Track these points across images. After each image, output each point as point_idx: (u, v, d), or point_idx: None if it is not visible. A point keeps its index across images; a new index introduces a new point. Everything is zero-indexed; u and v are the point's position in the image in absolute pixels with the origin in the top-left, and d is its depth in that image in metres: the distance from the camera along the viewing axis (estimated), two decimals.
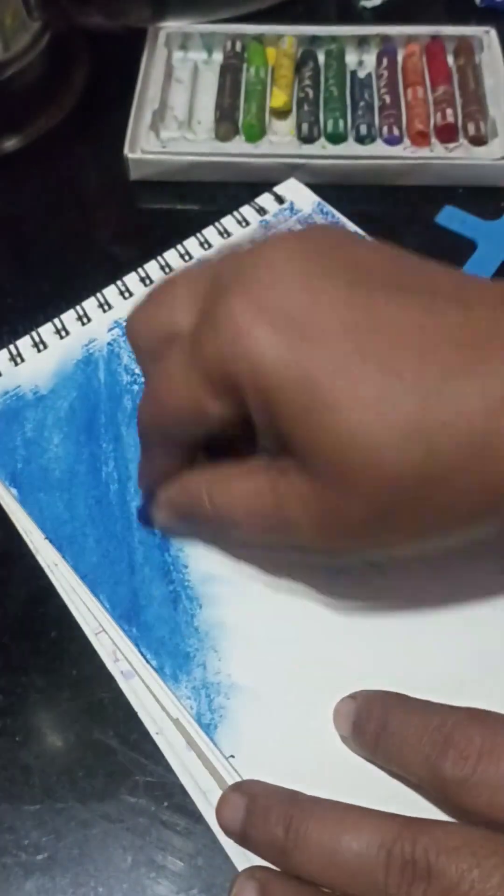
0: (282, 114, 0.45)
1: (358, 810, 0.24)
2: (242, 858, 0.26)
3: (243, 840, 0.25)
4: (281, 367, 0.23)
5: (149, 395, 0.27)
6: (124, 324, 0.30)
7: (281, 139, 0.44)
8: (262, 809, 0.25)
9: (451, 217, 0.41)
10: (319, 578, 0.30)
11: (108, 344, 0.37)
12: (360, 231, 0.40)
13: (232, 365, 0.23)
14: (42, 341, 0.37)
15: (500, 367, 0.22)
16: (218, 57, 0.48)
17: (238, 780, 0.27)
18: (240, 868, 0.25)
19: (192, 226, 0.41)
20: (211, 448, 0.29)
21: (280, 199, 0.42)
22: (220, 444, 0.28)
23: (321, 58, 0.48)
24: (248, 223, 0.41)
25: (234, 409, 0.24)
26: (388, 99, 0.45)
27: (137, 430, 0.29)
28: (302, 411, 0.23)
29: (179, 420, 0.26)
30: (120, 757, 0.28)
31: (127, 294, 0.38)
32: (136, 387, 0.35)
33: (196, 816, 0.27)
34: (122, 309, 0.38)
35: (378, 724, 0.26)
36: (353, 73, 0.47)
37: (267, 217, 0.41)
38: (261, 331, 0.23)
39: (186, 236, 0.40)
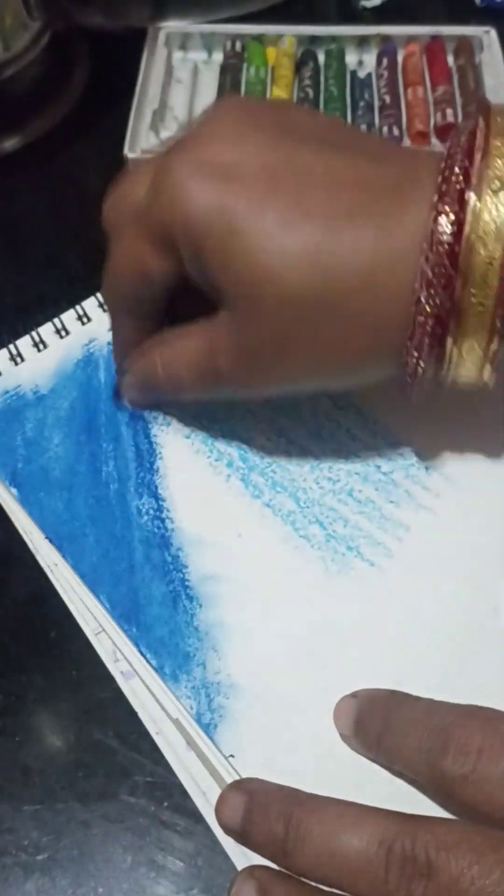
0: None
1: (357, 807, 0.24)
2: (242, 858, 0.26)
3: (243, 838, 0.25)
4: (205, 209, 0.25)
5: (107, 264, 0.30)
6: None
7: None
8: (261, 807, 0.25)
9: None
10: (319, 577, 0.30)
11: (109, 343, 0.37)
12: None
13: (168, 219, 0.26)
14: (42, 341, 0.37)
15: (398, 209, 0.25)
16: (218, 57, 0.48)
17: (239, 776, 0.27)
18: (240, 868, 0.25)
19: None
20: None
21: None
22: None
23: (321, 58, 0.48)
24: None
25: (173, 264, 0.27)
26: (388, 99, 0.45)
27: (104, 304, 0.31)
28: (221, 247, 0.25)
29: (128, 280, 0.29)
30: (120, 757, 0.28)
31: None
32: None
33: (196, 816, 0.27)
34: None
35: (380, 723, 0.26)
36: (353, 73, 0.47)
37: None
38: (191, 181, 0.26)
39: None
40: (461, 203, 0.24)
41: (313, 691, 0.28)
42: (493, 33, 0.47)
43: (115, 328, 0.32)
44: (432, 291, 0.24)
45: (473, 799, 0.23)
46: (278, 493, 0.32)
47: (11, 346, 0.37)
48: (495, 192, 0.24)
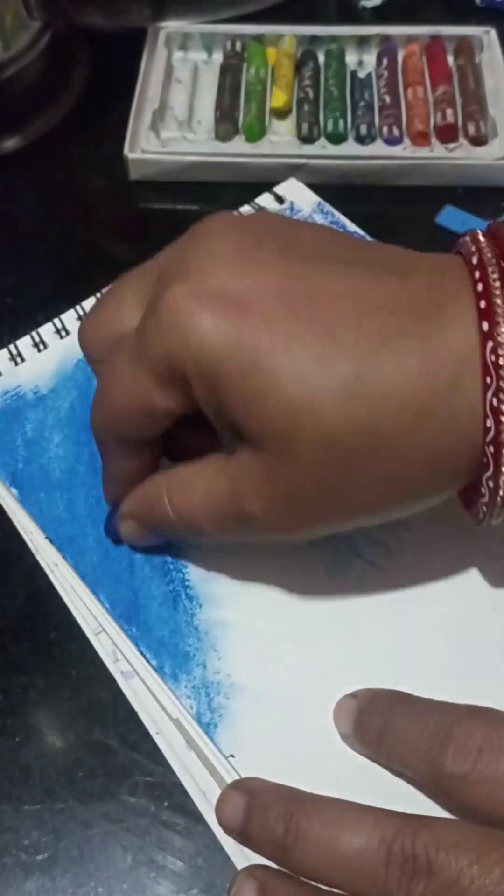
0: (282, 114, 0.45)
1: (357, 807, 0.24)
2: (242, 858, 0.26)
3: (243, 838, 0.25)
4: (221, 346, 0.23)
5: (98, 396, 0.27)
6: None
7: (281, 139, 0.44)
8: (261, 807, 0.25)
9: (451, 217, 0.41)
10: (319, 577, 0.30)
11: None
12: (360, 231, 0.40)
13: (176, 355, 0.23)
14: (42, 341, 0.37)
15: (436, 330, 0.22)
16: (218, 57, 0.48)
17: (239, 776, 0.27)
18: (240, 867, 0.25)
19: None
20: (176, 455, 0.29)
21: (280, 199, 0.42)
22: (183, 450, 0.28)
23: (321, 58, 0.48)
24: None
25: (182, 402, 0.25)
26: (388, 99, 0.45)
27: (93, 437, 0.28)
28: (243, 385, 0.23)
29: (129, 418, 0.26)
30: (120, 757, 0.28)
31: None
32: None
33: (196, 816, 0.27)
34: None
35: (380, 723, 0.26)
36: (353, 73, 0.47)
37: None
38: (200, 315, 0.23)
39: None
40: None
41: (313, 691, 0.28)
42: (493, 33, 0.47)
43: (107, 464, 0.29)
44: (502, 418, 0.22)
45: (473, 798, 0.23)
46: None
47: (11, 347, 0.37)
48: None
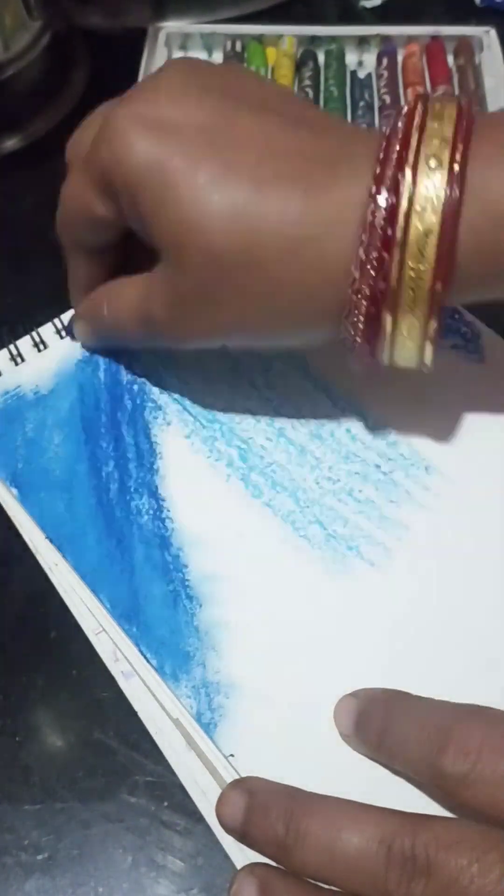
0: None
1: (358, 806, 0.24)
2: (242, 857, 0.26)
3: (243, 837, 0.25)
4: (143, 161, 0.26)
5: (60, 198, 0.31)
6: None
7: None
8: (261, 806, 0.25)
9: None
10: (318, 576, 0.30)
11: None
12: None
13: (108, 167, 0.27)
14: (42, 341, 0.37)
15: (328, 181, 0.25)
16: (218, 57, 0.48)
17: (240, 775, 0.27)
18: (240, 867, 0.25)
19: None
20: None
21: None
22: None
23: (321, 58, 0.48)
24: None
25: (114, 212, 0.28)
26: (387, 99, 0.45)
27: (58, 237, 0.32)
28: (153, 197, 0.26)
29: (77, 221, 0.30)
30: (120, 757, 0.28)
31: None
32: (135, 386, 0.35)
33: (196, 816, 0.27)
34: None
35: (380, 723, 0.26)
36: (353, 73, 0.47)
37: None
38: (132, 133, 0.26)
39: None
40: (396, 181, 0.24)
41: (313, 690, 0.28)
42: (493, 33, 0.47)
43: (69, 266, 0.33)
44: (368, 268, 0.25)
45: (473, 799, 0.23)
46: (278, 492, 0.32)
47: (12, 347, 0.37)
48: (432, 170, 0.24)
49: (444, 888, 0.21)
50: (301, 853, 0.23)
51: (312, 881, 0.23)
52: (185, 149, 0.26)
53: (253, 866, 0.24)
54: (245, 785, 0.26)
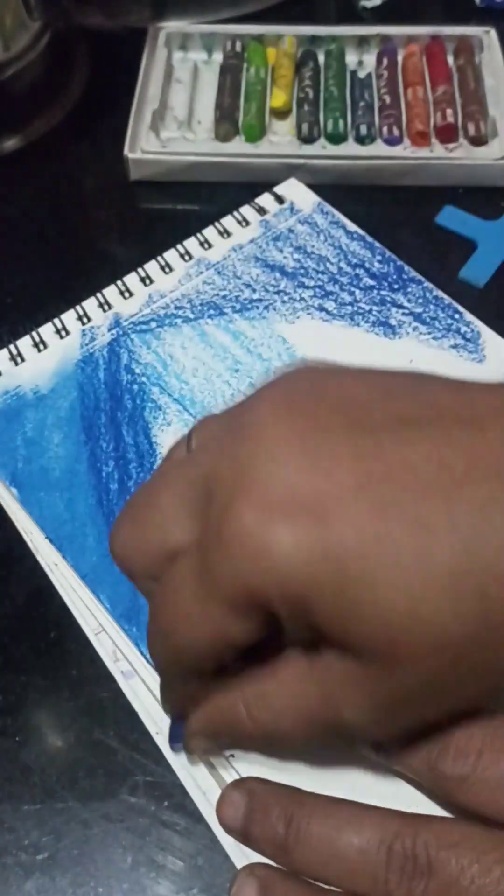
0: (282, 114, 0.45)
1: (358, 806, 0.24)
2: (242, 858, 0.26)
3: (244, 837, 0.25)
4: (306, 563, 0.19)
5: (161, 632, 0.23)
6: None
7: (281, 139, 0.44)
8: (262, 806, 0.25)
9: (451, 217, 0.41)
10: None
11: (109, 344, 0.37)
12: (359, 231, 0.40)
13: (255, 583, 0.20)
14: (42, 341, 0.37)
15: None
16: (218, 57, 0.48)
17: (239, 776, 0.27)
18: (240, 867, 0.25)
19: (192, 226, 0.41)
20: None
21: (280, 199, 0.42)
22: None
23: (321, 58, 0.48)
24: (248, 223, 0.41)
25: (262, 627, 0.21)
26: (388, 99, 0.45)
27: (153, 664, 0.27)
28: (338, 601, 0.19)
29: (202, 653, 0.22)
30: (120, 757, 0.28)
31: (127, 294, 0.38)
32: (135, 386, 0.35)
33: (196, 816, 0.27)
34: (123, 309, 0.38)
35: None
36: (353, 73, 0.47)
37: (267, 217, 0.41)
38: (275, 533, 0.19)
39: (186, 236, 0.40)
40: None
41: None
42: (493, 33, 0.47)
43: (167, 686, 0.26)
44: None
45: (474, 800, 0.23)
46: None
47: (12, 346, 0.37)
48: None
49: (444, 888, 0.21)
50: (302, 853, 0.23)
51: (313, 882, 0.23)
52: (356, 526, 0.19)
53: (253, 866, 0.24)
54: (246, 785, 0.26)
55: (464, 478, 0.19)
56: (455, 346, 0.35)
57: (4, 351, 0.37)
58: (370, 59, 0.48)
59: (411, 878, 0.21)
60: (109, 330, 0.37)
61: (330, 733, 0.23)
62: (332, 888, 0.23)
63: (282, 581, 0.20)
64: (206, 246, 0.40)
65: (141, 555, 0.24)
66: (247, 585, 0.20)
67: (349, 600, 0.19)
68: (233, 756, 0.27)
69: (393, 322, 0.36)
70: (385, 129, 0.44)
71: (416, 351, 0.35)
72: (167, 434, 0.34)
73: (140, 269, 0.39)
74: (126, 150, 0.43)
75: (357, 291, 0.37)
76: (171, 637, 0.23)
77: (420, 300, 0.37)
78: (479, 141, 0.43)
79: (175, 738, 0.27)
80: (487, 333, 0.36)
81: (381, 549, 0.19)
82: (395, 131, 0.43)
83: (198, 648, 0.22)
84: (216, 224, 0.41)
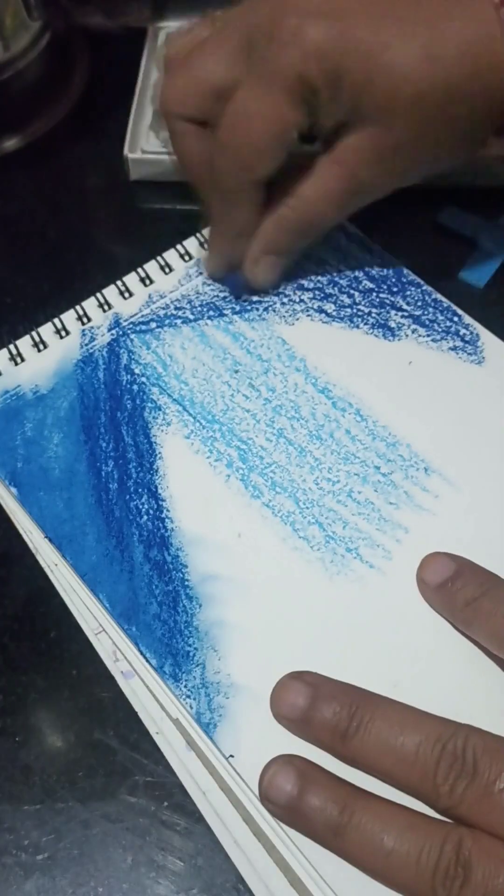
0: None
1: (417, 710, 0.26)
2: (242, 858, 0.26)
3: (302, 725, 0.27)
4: (337, 48, 0.29)
5: (230, 139, 0.31)
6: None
7: None
8: (327, 696, 0.26)
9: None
10: (318, 578, 0.30)
11: (108, 344, 0.37)
12: (358, 232, 0.40)
13: (305, 67, 0.29)
14: (42, 341, 0.37)
15: (482, 3, 0.29)
16: None
17: (237, 780, 0.27)
18: (240, 867, 0.26)
19: (192, 226, 0.41)
20: None
21: None
22: None
23: None
24: None
25: (307, 113, 0.30)
26: None
27: (219, 194, 0.33)
28: (360, 72, 0.29)
29: (267, 144, 0.31)
30: (120, 757, 0.28)
31: (127, 294, 0.38)
32: (135, 386, 0.35)
33: (196, 816, 0.27)
34: (123, 309, 0.38)
35: (476, 589, 0.28)
36: None
37: None
38: (315, 30, 0.29)
39: (186, 236, 0.40)
40: None
41: None
42: None
43: (226, 217, 0.35)
44: None
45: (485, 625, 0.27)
46: (278, 493, 0.32)
47: (11, 346, 0.37)
48: None
49: (481, 790, 0.23)
50: (360, 742, 0.25)
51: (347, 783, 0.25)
52: (364, 22, 0.29)
53: (291, 756, 0.26)
54: (307, 678, 0.27)
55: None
56: (454, 349, 0.35)
57: (4, 351, 0.37)
58: None
59: (457, 777, 0.24)
60: (109, 330, 0.37)
61: (352, 197, 0.33)
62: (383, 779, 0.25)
63: (321, 58, 0.29)
64: (206, 246, 0.40)
65: (193, 95, 0.32)
66: (299, 71, 0.29)
67: (367, 70, 0.29)
68: (232, 757, 0.27)
69: (392, 324, 0.36)
70: None
71: (415, 353, 0.35)
72: (167, 434, 0.34)
73: (140, 270, 0.39)
74: (126, 150, 0.43)
75: (356, 294, 0.38)
76: (243, 137, 0.31)
77: (419, 303, 0.37)
78: None
79: (239, 287, 0.37)
80: (486, 336, 0.36)
81: (379, 36, 0.29)
82: None
83: (266, 138, 0.31)
84: None
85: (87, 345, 0.37)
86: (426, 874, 0.23)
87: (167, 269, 0.39)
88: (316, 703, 0.26)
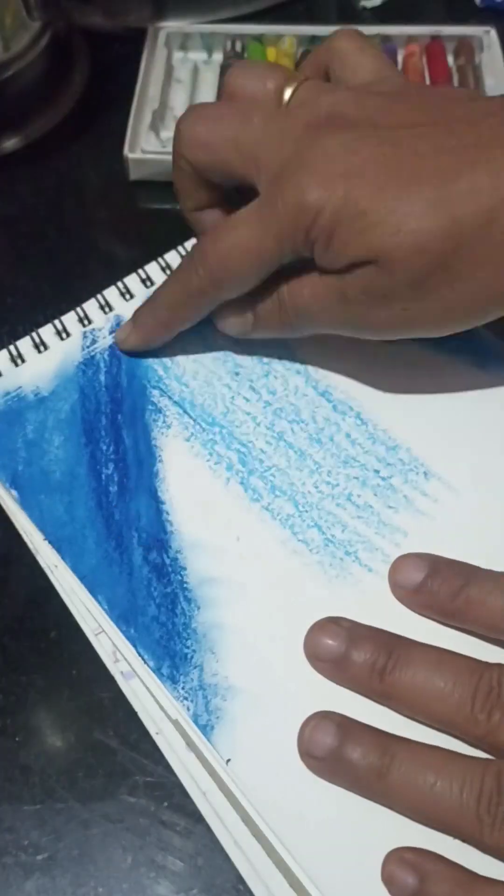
0: None
1: (452, 651, 0.27)
2: (242, 858, 0.26)
3: (340, 666, 0.28)
4: (338, 207, 0.28)
5: (213, 255, 0.32)
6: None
7: None
8: (363, 638, 0.28)
9: None
10: (317, 581, 0.30)
11: (110, 346, 0.37)
12: None
13: (303, 220, 0.29)
14: (43, 342, 0.37)
15: (501, 157, 0.28)
16: (218, 57, 0.48)
17: (238, 781, 0.27)
18: (240, 867, 0.26)
19: None
20: None
21: None
22: None
23: None
24: None
25: (297, 255, 0.31)
26: None
27: (180, 285, 0.34)
28: (353, 228, 0.28)
29: (249, 275, 0.32)
30: (120, 757, 0.28)
31: (128, 295, 0.38)
32: (136, 389, 0.35)
33: (196, 816, 0.27)
34: (124, 310, 0.38)
35: (459, 580, 0.28)
36: None
37: None
38: (318, 192, 0.29)
39: (186, 236, 0.40)
40: None
41: (310, 694, 0.28)
42: (493, 33, 0.47)
43: (183, 307, 0.34)
44: None
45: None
46: (277, 496, 0.32)
47: (12, 347, 0.37)
48: None
49: None
50: (398, 678, 0.27)
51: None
52: (370, 182, 0.28)
53: (326, 712, 0.27)
54: (342, 623, 0.29)
55: (451, 150, 0.28)
56: (455, 351, 0.35)
57: (5, 352, 0.37)
58: None
59: (494, 706, 0.25)
60: (111, 332, 0.37)
61: (342, 320, 0.32)
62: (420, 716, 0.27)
63: (320, 217, 0.29)
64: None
65: (206, 153, 0.32)
66: (296, 222, 0.29)
67: (361, 228, 0.28)
68: (230, 761, 0.27)
69: None
70: None
71: (416, 354, 0.35)
72: (167, 437, 0.34)
73: (141, 271, 0.39)
74: (126, 150, 0.43)
75: None
76: (222, 266, 0.32)
77: None
78: None
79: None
80: (487, 337, 0.36)
81: (382, 193, 0.28)
82: None
83: (246, 272, 0.31)
84: None
85: (88, 347, 0.37)
86: (470, 804, 0.24)
87: (168, 270, 0.39)
88: (353, 644, 0.28)
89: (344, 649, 0.28)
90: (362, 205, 0.28)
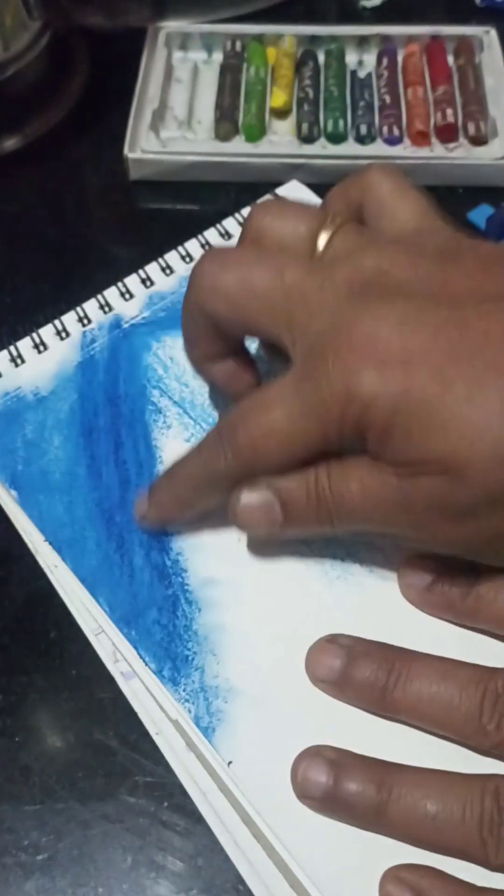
0: (282, 114, 0.45)
1: (454, 660, 0.27)
2: (242, 858, 0.26)
3: (341, 685, 0.27)
4: (394, 400, 0.24)
5: (244, 435, 0.27)
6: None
7: (281, 139, 0.44)
8: (363, 655, 0.27)
9: (482, 215, 0.41)
10: (318, 583, 0.30)
11: (109, 346, 0.37)
12: None
13: (351, 410, 0.25)
14: (42, 342, 0.37)
15: None
16: (218, 57, 0.48)
17: (239, 782, 0.27)
18: (240, 868, 0.26)
19: (192, 226, 0.41)
20: None
21: None
22: None
23: (321, 58, 0.48)
24: None
25: (342, 446, 0.26)
26: (388, 99, 0.45)
27: (203, 463, 0.29)
28: (415, 427, 0.24)
29: (282, 461, 0.27)
30: (120, 757, 0.28)
31: (128, 295, 0.38)
32: (135, 389, 0.35)
33: (196, 816, 0.27)
34: (123, 310, 0.38)
35: (469, 580, 0.28)
36: (353, 72, 0.47)
37: None
38: (369, 378, 0.24)
39: (186, 237, 0.40)
40: None
41: (311, 696, 0.28)
42: (493, 33, 0.47)
43: (203, 490, 0.30)
44: None
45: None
46: None
47: (12, 348, 0.37)
48: None
49: None
50: (402, 693, 0.26)
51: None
52: (429, 369, 0.24)
53: (316, 748, 0.26)
54: (341, 641, 0.28)
55: None
56: None
57: (4, 352, 0.37)
58: (370, 59, 0.48)
59: (502, 716, 0.25)
60: (110, 332, 0.37)
61: (413, 531, 0.27)
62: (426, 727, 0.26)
63: (373, 408, 0.24)
64: (207, 248, 0.40)
65: (227, 305, 0.28)
66: (345, 413, 0.25)
67: (426, 429, 0.24)
68: (231, 763, 0.27)
69: None
70: (385, 128, 0.44)
71: None
72: (167, 437, 0.34)
73: (141, 271, 0.39)
74: (126, 150, 0.43)
75: None
76: (253, 450, 0.27)
77: None
78: (479, 141, 0.43)
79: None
80: None
81: (449, 386, 0.24)
82: (396, 131, 0.43)
83: (279, 458, 0.27)
84: (217, 226, 0.41)
85: (87, 346, 0.37)
86: (473, 828, 0.24)
87: (168, 271, 0.39)
88: (354, 662, 0.27)
89: (345, 669, 0.27)
90: (428, 401, 0.24)
